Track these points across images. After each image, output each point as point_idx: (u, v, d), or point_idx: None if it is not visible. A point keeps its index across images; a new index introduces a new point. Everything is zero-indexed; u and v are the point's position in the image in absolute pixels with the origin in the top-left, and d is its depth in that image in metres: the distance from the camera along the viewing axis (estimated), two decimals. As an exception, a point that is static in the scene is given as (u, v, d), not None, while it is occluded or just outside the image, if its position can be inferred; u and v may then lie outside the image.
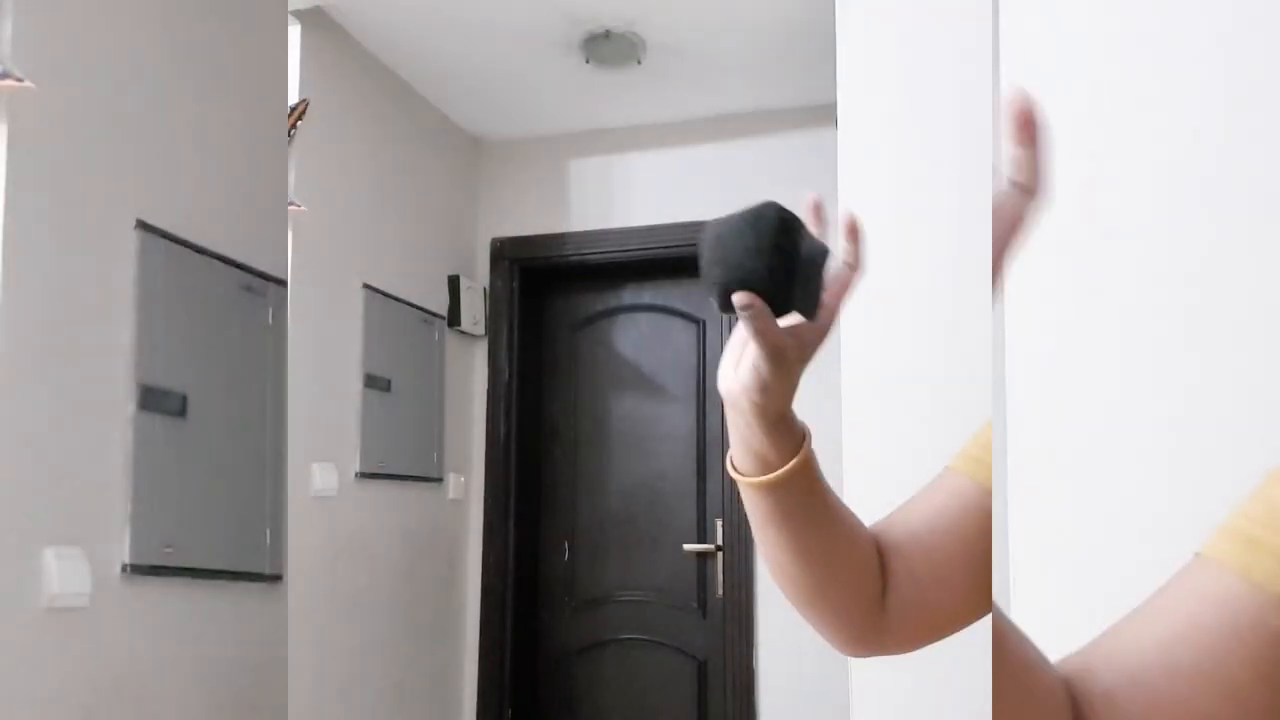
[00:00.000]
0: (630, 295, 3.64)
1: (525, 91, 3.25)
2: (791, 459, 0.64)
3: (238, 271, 2.30)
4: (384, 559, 2.97)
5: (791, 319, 0.60)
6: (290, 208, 2.52)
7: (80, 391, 1.92)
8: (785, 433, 0.64)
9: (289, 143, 2.53)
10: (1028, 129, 0.55)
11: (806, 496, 0.67)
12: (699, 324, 3.53)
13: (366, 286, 2.91)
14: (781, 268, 0.58)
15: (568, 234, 3.51)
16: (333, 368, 2.78)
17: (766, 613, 3.19)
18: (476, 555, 3.47)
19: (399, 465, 3.05)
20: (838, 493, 0.71)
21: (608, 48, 2.90)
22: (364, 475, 2.85)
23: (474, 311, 3.46)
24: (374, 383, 2.91)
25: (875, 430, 1.91)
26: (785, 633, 3.16)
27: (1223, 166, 1.21)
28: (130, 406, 2.01)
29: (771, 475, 0.65)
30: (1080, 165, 1.27)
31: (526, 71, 3.10)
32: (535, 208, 3.57)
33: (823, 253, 0.61)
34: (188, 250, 2.17)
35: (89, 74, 1.99)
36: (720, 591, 3.30)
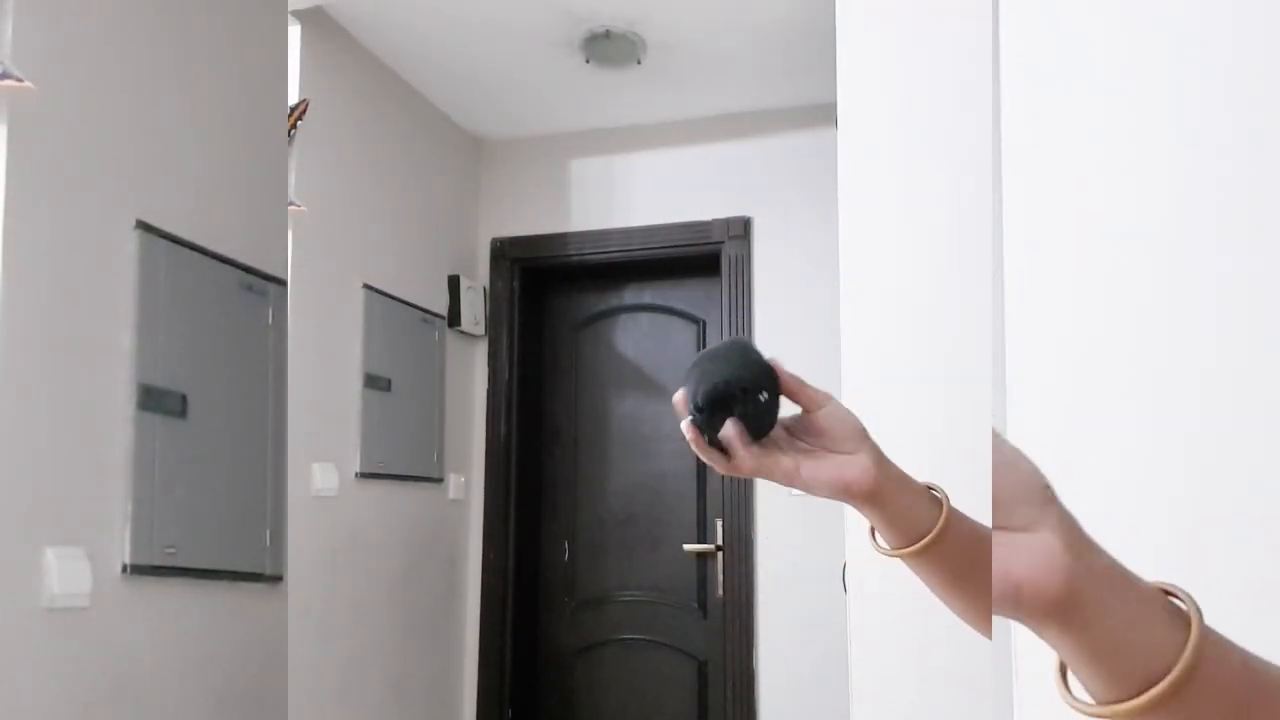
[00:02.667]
0: (631, 295, 3.64)
1: (525, 91, 3.25)
2: (938, 506, 0.66)
3: (238, 271, 2.30)
4: (384, 559, 2.97)
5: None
6: (290, 208, 2.52)
7: (80, 391, 1.92)
8: (910, 481, 0.67)
9: (289, 143, 2.53)
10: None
11: (974, 532, 0.67)
12: (699, 324, 3.53)
13: (366, 286, 2.91)
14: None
15: (568, 234, 3.51)
16: (333, 368, 2.78)
17: (766, 613, 3.19)
18: (476, 555, 3.47)
19: (399, 465, 3.05)
20: None
21: (608, 47, 2.90)
22: (364, 475, 2.85)
23: (474, 311, 3.46)
24: (374, 383, 2.91)
25: (875, 430, 1.91)
26: (785, 633, 3.16)
27: (1229, 166, 1.20)
28: (130, 406, 2.01)
29: (939, 524, 0.65)
30: (1082, 165, 1.27)
31: (527, 71, 3.10)
32: (535, 208, 3.57)
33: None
34: (188, 250, 2.17)
35: (89, 74, 1.99)
36: (720, 591, 3.30)
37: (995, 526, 0.47)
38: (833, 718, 2.85)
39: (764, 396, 0.66)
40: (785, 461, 0.66)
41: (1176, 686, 0.42)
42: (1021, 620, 0.46)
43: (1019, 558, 0.46)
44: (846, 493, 0.65)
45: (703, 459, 0.68)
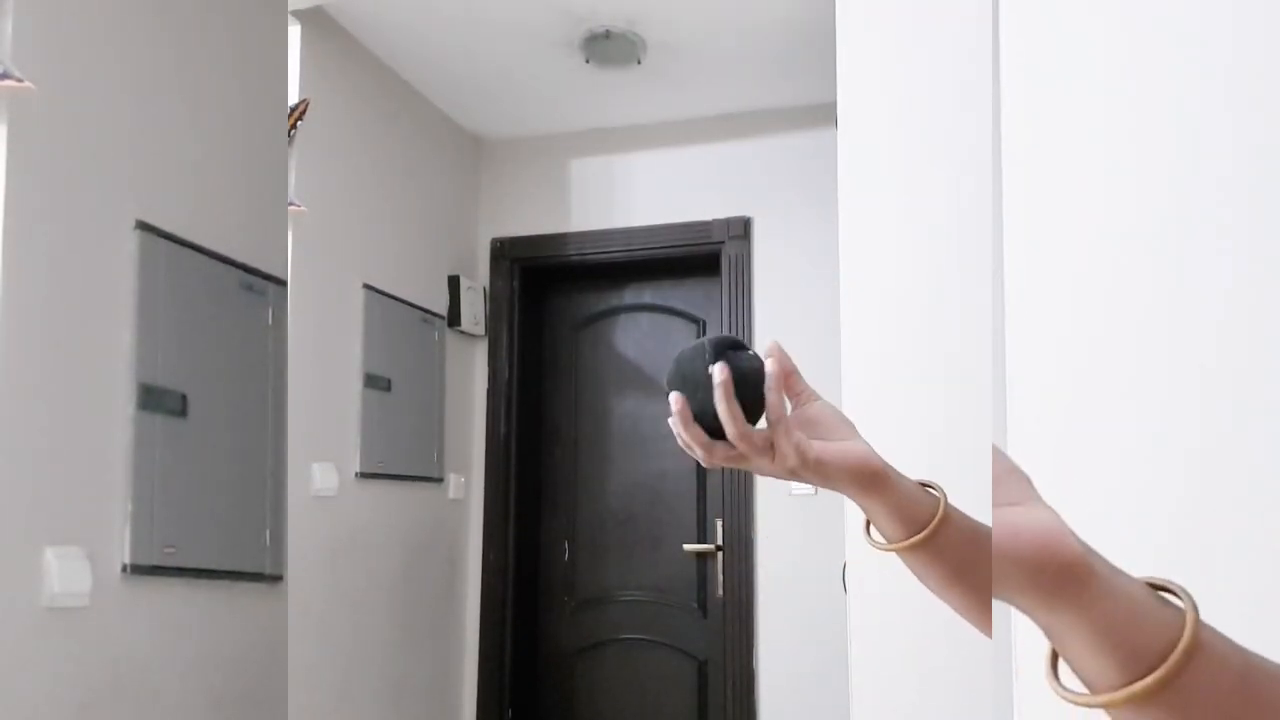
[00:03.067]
0: (631, 295, 3.64)
1: (525, 91, 3.25)
2: (936, 499, 0.65)
3: (238, 271, 2.30)
4: (384, 559, 2.97)
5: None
6: (290, 208, 2.52)
7: (80, 391, 1.92)
8: (899, 482, 0.66)
9: (289, 143, 2.53)
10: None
11: (972, 527, 0.66)
12: (699, 324, 3.53)
13: (366, 286, 2.91)
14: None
15: (568, 234, 3.51)
16: (333, 368, 2.78)
17: (766, 613, 3.19)
18: (476, 555, 3.47)
19: (399, 465, 3.05)
20: None
21: (608, 47, 2.90)
22: (364, 475, 2.85)
23: (474, 311, 3.46)
24: (374, 383, 2.91)
25: (875, 430, 1.91)
26: (785, 633, 3.16)
27: (1230, 166, 1.20)
28: (130, 406, 2.01)
29: (939, 514, 0.64)
30: (1082, 165, 1.27)
31: (527, 71, 3.10)
32: (535, 208, 3.57)
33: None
34: (188, 250, 2.17)
35: (89, 74, 1.98)
36: (720, 591, 3.30)
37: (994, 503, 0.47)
38: (833, 718, 2.85)
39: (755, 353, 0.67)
40: (796, 433, 0.64)
41: (1183, 661, 0.42)
42: (1029, 597, 0.45)
43: (1032, 521, 0.45)
44: (858, 469, 0.64)
45: (724, 413, 0.64)
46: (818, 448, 0.64)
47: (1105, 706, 0.44)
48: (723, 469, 3.28)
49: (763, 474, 0.67)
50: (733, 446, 0.65)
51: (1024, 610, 0.46)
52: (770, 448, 0.64)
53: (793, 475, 0.65)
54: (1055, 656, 0.47)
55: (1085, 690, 0.45)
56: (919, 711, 1.86)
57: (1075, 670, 0.46)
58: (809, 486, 0.68)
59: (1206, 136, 1.22)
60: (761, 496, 3.19)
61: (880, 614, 1.85)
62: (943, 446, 1.82)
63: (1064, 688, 0.46)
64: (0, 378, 1.76)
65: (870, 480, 0.64)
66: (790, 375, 0.68)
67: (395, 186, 3.13)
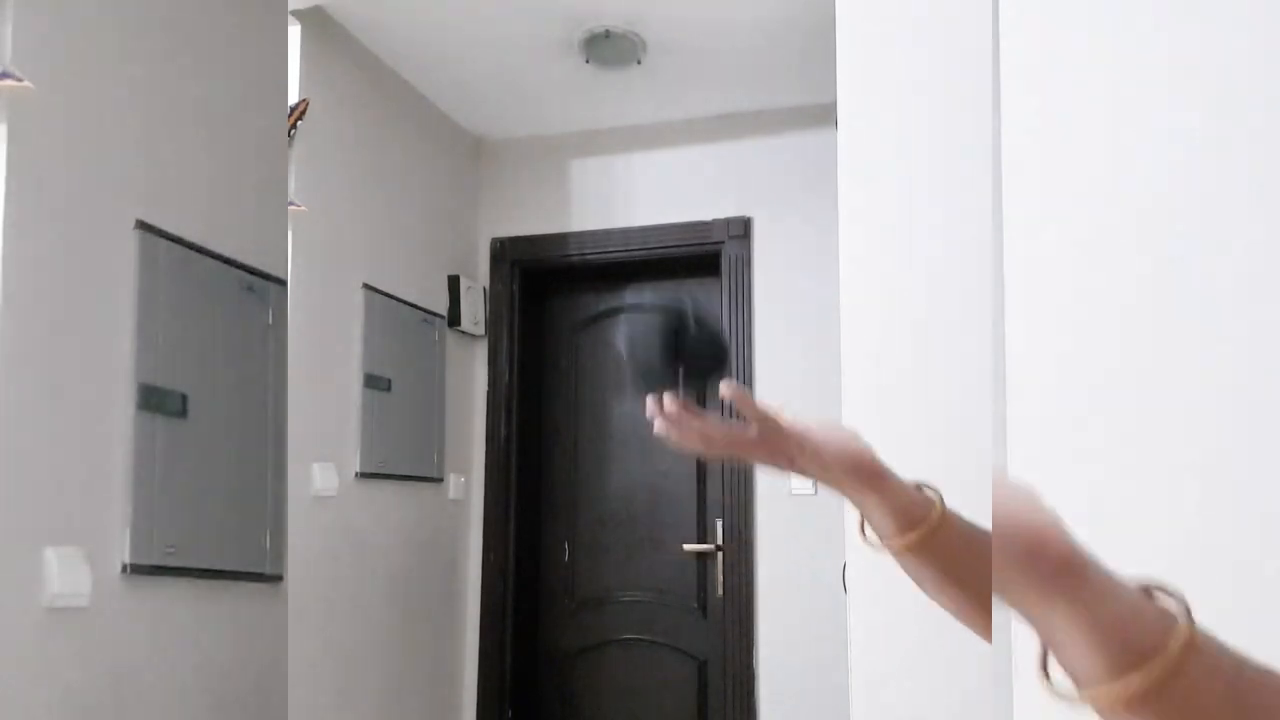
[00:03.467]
0: (631, 295, 3.64)
1: (525, 91, 3.25)
2: (933, 500, 0.66)
3: (238, 271, 2.30)
4: (384, 559, 2.97)
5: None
6: (290, 208, 2.52)
7: (80, 391, 1.92)
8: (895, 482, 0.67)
9: (289, 143, 2.53)
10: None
11: (968, 529, 0.67)
12: (699, 324, 3.52)
13: (366, 286, 2.91)
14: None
15: (568, 234, 3.51)
16: (333, 368, 2.78)
17: (766, 613, 3.19)
18: (476, 555, 3.47)
19: (399, 465, 3.04)
20: None
21: (608, 48, 2.90)
22: (364, 475, 2.85)
23: (474, 311, 3.46)
24: (374, 383, 2.91)
25: (876, 430, 1.91)
26: (785, 633, 3.16)
27: (1229, 168, 1.20)
28: (130, 406, 2.01)
29: (937, 513, 0.65)
30: (1082, 165, 1.27)
31: (527, 71, 3.10)
32: (535, 208, 3.57)
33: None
34: (188, 250, 2.17)
35: (89, 74, 1.98)
36: (720, 591, 3.30)
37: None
38: (833, 718, 2.85)
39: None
40: (797, 426, 0.67)
41: (1176, 658, 0.42)
42: (1023, 588, 0.45)
43: (1030, 513, 0.45)
44: (855, 462, 0.66)
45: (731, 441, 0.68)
46: (819, 436, 0.67)
47: (1096, 703, 0.43)
48: (723, 465, 3.28)
49: (763, 464, 0.68)
50: (724, 425, 0.68)
51: (1016, 604, 0.46)
52: (766, 439, 0.67)
53: (792, 465, 0.67)
54: (1045, 654, 0.47)
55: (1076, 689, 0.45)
56: (919, 712, 1.86)
57: (1066, 668, 0.45)
58: (809, 485, 0.69)
59: (1206, 136, 1.22)
60: (761, 496, 3.19)
61: (880, 614, 1.85)
62: (943, 446, 1.82)
63: (1054, 686, 0.46)
64: (1, 378, 1.76)
65: (868, 476, 0.66)
66: (752, 403, 0.71)
67: (395, 186, 3.13)
